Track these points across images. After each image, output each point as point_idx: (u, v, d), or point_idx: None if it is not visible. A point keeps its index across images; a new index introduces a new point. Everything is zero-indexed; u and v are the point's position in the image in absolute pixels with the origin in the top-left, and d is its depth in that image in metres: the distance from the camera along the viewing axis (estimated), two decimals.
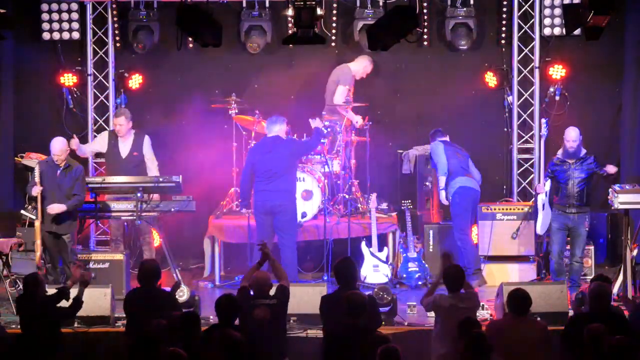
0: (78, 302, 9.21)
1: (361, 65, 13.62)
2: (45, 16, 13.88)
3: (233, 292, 8.89)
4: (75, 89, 14.10)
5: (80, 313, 10.32)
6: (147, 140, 12.88)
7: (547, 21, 13.89)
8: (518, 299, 8.46)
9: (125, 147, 12.86)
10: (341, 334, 8.15)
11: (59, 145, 11.68)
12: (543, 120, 12.55)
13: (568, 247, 12.21)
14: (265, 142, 12.18)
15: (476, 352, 7.38)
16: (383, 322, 9.87)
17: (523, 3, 13.87)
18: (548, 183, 12.06)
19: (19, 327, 10.39)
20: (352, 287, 8.93)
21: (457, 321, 8.40)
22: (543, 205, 12.10)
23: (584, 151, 12.05)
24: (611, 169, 11.99)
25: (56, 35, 13.92)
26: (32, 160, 13.22)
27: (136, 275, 9.52)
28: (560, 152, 12.16)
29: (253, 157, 12.09)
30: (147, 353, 7.33)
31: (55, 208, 11.50)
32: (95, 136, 13.85)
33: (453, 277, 8.92)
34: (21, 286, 10.41)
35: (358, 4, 13.94)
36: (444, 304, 8.84)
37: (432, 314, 9.23)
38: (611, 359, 7.32)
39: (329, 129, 13.26)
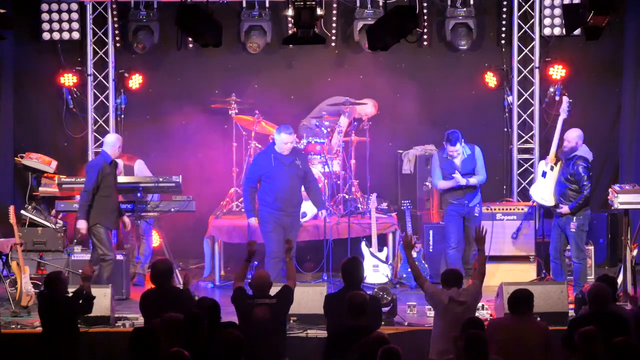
0: (81, 296, 9.14)
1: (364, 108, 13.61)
2: (45, 16, 13.88)
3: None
4: (75, 89, 14.10)
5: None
6: (138, 165, 12.79)
7: (547, 21, 13.89)
8: (519, 299, 8.45)
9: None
10: (342, 333, 8.15)
11: (117, 138, 11.60)
12: (566, 100, 12.04)
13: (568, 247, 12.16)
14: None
15: (472, 352, 7.37)
16: (383, 322, 9.86)
17: (523, 3, 13.88)
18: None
19: (19, 327, 10.44)
20: (357, 288, 8.93)
21: (455, 316, 8.42)
22: (543, 172, 11.95)
23: (576, 153, 11.83)
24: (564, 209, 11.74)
25: (56, 35, 13.92)
26: (32, 160, 13.24)
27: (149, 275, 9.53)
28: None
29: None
30: (145, 346, 7.33)
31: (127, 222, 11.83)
32: (96, 137, 13.91)
33: (452, 280, 8.91)
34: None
35: (358, 4, 13.94)
36: (443, 300, 8.83)
37: (431, 313, 9.21)
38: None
39: (328, 129, 13.27)
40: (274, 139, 11.91)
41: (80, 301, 9.10)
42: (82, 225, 11.33)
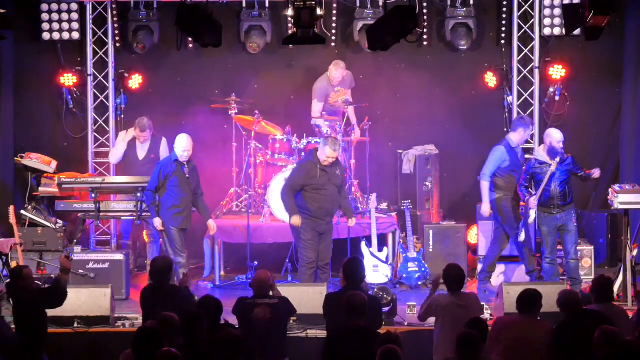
0: (57, 288, 9.00)
1: (330, 71, 13.55)
2: (45, 16, 13.87)
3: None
4: (75, 89, 14.09)
5: (80, 313, 10.37)
6: (164, 142, 12.98)
7: (547, 21, 13.89)
8: (531, 299, 8.44)
9: (142, 150, 12.95)
10: (342, 333, 8.15)
11: (189, 140, 11.66)
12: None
13: (559, 247, 12.16)
14: None
15: (464, 351, 7.39)
16: (383, 323, 9.86)
17: (523, 3, 13.88)
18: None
19: None
20: (357, 288, 8.94)
21: (457, 320, 8.43)
22: (533, 219, 11.96)
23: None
24: (597, 172, 11.80)
25: (56, 35, 13.92)
26: (32, 160, 13.23)
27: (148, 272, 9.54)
28: (540, 153, 11.92)
29: None
30: (148, 346, 7.32)
31: (213, 226, 11.86)
32: (96, 137, 13.92)
33: (453, 277, 8.93)
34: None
35: (358, 4, 13.94)
36: (443, 302, 8.83)
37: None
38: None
39: (328, 129, 13.27)
40: (316, 147, 11.77)
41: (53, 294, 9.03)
42: (157, 223, 11.59)
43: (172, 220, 11.59)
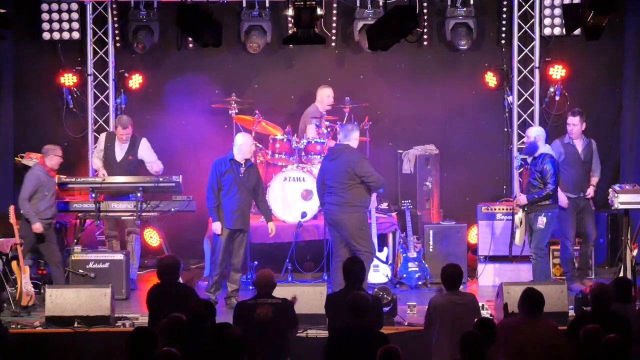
0: None
1: (319, 96, 13.49)
2: (45, 16, 13.88)
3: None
4: (75, 89, 14.10)
5: (80, 313, 10.39)
6: (143, 144, 12.75)
7: (547, 21, 13.89)
8: (535, 300, 8.44)
9: (120, 151, 12.75)
10: (344, 333, 8.15)
11: (244, 139, 11.66)
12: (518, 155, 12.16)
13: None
14: (332, 149, 11.82)
15: (468, 352, 7.39)
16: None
17: (523, 3, 13.88)
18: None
19: (19, 327, 10.46)
20: (358, 287, 8.94)
21: (455, 318, 8.42)
22: (520, 220, 11.92)
23: (543, 151, 11.75)
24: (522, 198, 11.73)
25: (56, 35, 13.93)
26: (32, 160, 13.22)
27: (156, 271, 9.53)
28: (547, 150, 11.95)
29: (323, 164, 11.72)
30: (142, 347, 7.31)
31: (271, 229, 11.87)
32: (96, 137, 13.90)
33: (450, 273, 8.92)
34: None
35: (358, 4, 13.94)
36: (440, 302, 8.82)
37: None
38: (605, 358, 7.34)
39: (329, 129, 13.27)
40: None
41: None
42: (215, 227, 11.62)
43: (225, 220, 11.57)
